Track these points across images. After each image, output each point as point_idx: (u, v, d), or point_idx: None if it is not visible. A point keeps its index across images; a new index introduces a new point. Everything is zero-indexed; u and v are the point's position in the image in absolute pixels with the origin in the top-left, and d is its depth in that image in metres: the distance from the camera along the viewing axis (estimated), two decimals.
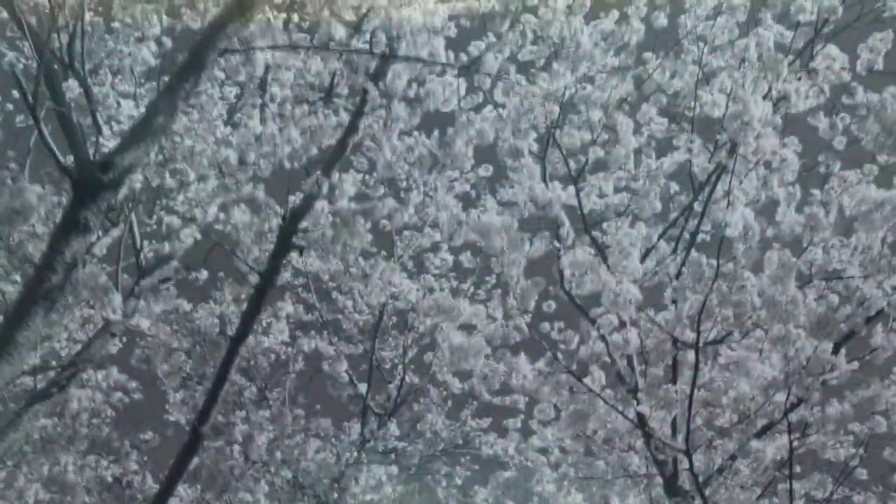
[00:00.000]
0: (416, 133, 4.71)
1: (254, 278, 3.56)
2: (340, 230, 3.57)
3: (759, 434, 4.16)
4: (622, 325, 4.11)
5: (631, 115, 5.58)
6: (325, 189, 3.53)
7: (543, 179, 4.89)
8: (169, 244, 4.61)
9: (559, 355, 4.09)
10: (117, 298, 3.14)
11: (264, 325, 8.99)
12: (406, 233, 8.17)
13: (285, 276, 8.72)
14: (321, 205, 3.60)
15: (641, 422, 4.18)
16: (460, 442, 8.02)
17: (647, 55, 5.04)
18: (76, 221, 3.01)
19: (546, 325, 4.86)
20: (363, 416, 6.98)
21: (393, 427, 6.93)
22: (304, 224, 3.66)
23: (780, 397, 4.06)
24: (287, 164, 3.69)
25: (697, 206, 5.07)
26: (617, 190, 5.44)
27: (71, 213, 3.04)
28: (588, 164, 5.25)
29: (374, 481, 6.51)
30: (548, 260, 4.56)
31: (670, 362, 4.28)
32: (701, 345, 3.93)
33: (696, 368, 3.97)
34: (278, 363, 8.03)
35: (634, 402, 4.09)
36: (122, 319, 4.22)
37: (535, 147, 4.78)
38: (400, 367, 7.86)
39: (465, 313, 4.04)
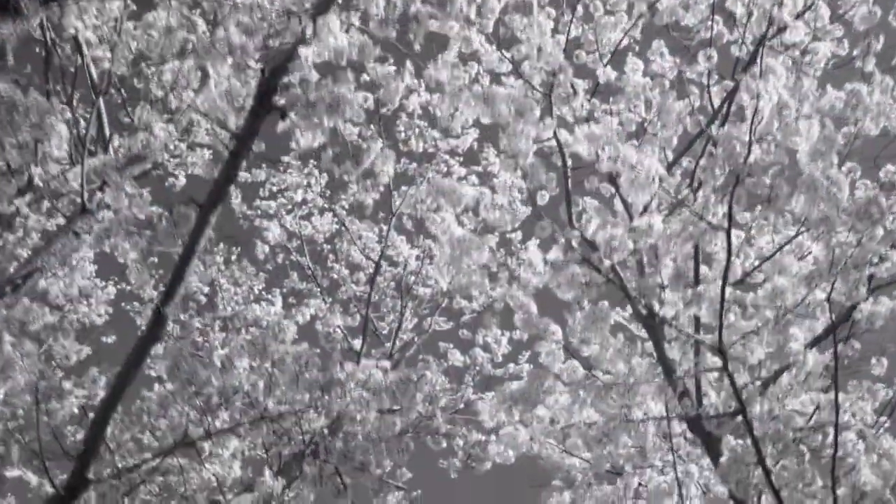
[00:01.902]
0: None
1: (229, 142, 3.12)
2: (326, 87, 3.14)
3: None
4: (644, 209, 3.67)
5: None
6: (309, 31, 3.11)
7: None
8: (142, 140, 4.18)
9: (574, 243, 3.63)
10: (62, 130, 2.69)
11: (256, 291, 8.56)
12: (404, 188, 7.78)
13: (275, 233, 8.35)
14: (306, 52, 3.18)
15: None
16: (461, 406, 7.54)
17: None
18: None
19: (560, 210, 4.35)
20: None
21: None
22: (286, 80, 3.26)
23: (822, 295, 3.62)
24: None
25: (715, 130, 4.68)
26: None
27: None
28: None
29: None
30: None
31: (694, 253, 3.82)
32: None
33: (729, 255, 3.51)
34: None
35: (657, 302, 3.63)
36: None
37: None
38: (395, 325, 7.41)
39: (468, 196, 3.60)
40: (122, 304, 7.84)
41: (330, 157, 4.05)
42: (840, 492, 3.63)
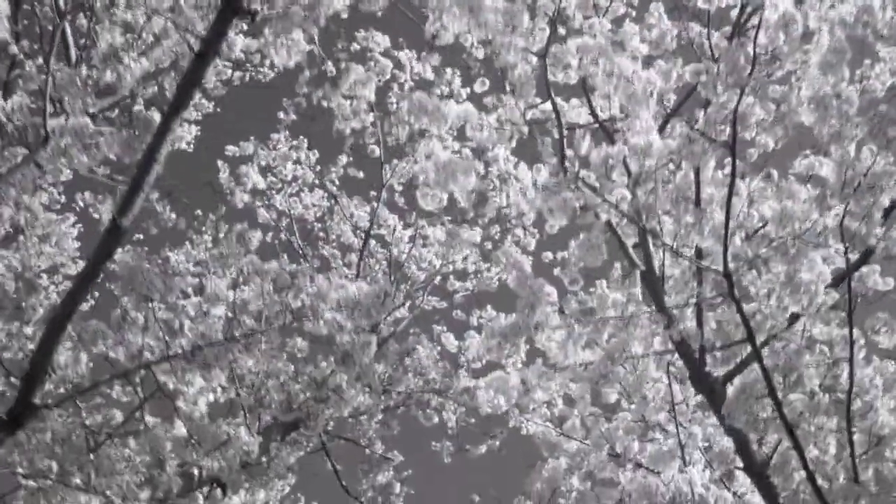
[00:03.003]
0: None
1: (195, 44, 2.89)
2: None
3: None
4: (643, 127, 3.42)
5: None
6: None
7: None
8: (111, 71, 3.95)
9: (566, 163, 3.38)
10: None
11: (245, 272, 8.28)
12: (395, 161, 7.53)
13: (262, 213, 8.11)
14: None
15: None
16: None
17: None
18: None
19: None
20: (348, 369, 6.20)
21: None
22: None
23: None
24: None
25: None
26: None
27: None
28: None
29: None
30: None
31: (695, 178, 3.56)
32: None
33: (734, 174, 3.26)
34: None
35: (656, 225, 3.37)
36: None
37: None
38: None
39: (453, 113, 3.36)
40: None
41: (307, 78, 3.86)
42: (855, 437, 3.35)
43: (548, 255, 7.26)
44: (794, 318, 3.50)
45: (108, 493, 3.13)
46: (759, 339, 3.13)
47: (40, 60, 4.70)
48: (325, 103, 5.11)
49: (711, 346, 3.42)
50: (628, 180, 3.26)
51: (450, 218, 6.70)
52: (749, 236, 3.48)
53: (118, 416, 4.20)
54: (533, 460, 5.78)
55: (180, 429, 4.26)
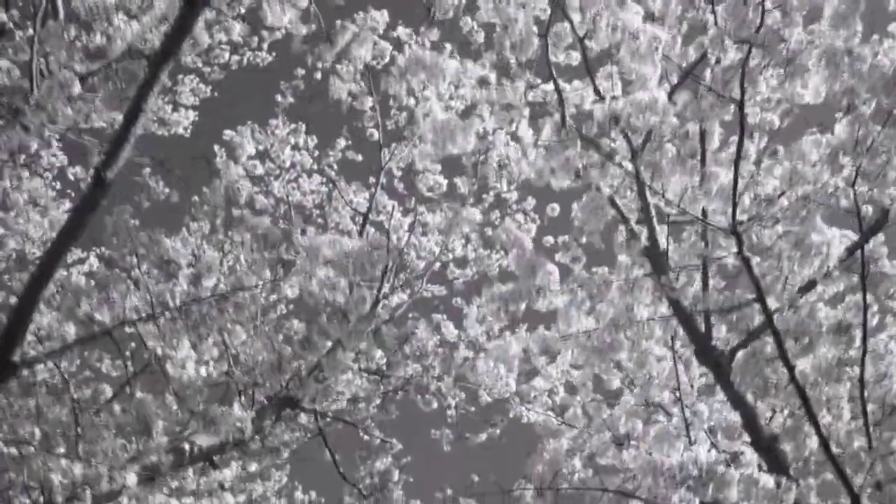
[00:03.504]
0: None
1: None
2: None
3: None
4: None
5: None
6: None
7: None
8: (101, 34, 3.84)
9: (568, 119, 3.26)
10: None
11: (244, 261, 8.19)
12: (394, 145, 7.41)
13: (261, 199, 8.00)
14: None
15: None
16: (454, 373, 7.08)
17: None
18: None
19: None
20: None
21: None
22: None
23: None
24: None
25: None
26: None
27: None
28: None
29: None
30: None
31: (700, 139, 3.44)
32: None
33: (742, 130, 3.14)
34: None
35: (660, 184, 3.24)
36: None
37: None
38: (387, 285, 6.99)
39: (451, 69, 3.24)
40: None
41: (302, 37, 3.74)
42: (868, 408, 3.23)
43: (549, 240, 7.14)
44: (809, 287, 3.38)
45: (93, 460, 3.01)
46: (771, 304, 3.00)
47: (31, 32, 4.60)
48: (320, 75, 5.00)
49: (718, 308, 3.29)
50: (631, 138, 3.15)
51: (448, 204, 6.58)
52: (758, 198, 3.35)
53: (108, 390, 4.08)
54: (534, 449, 5.66)
55: (172, 404, 4.15)
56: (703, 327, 4.22)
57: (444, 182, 7.85)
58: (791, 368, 2.91)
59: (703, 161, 3.47)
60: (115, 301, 2.78)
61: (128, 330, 2.90)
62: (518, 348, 3.51)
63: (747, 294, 3.62)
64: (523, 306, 3.41)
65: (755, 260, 3.20)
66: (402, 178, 7.68)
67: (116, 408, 3.26)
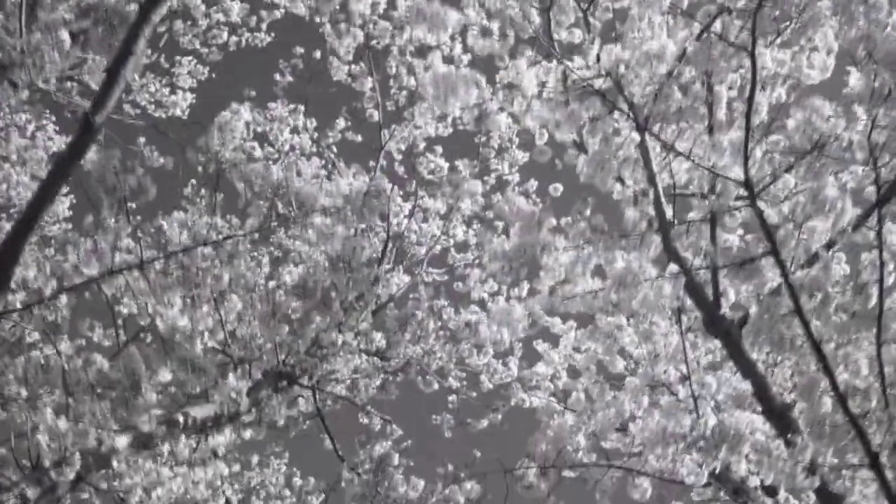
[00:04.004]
0: None
1: None
2: None
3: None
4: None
5: None
6: None
7: None
8: None
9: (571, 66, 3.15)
10: None
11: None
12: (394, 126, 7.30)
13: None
14: None
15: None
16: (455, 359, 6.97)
17: None
18: None
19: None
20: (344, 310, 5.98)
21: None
22: None
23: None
24: None
25: None
26: None
27: None
28: None
29: None
30: None
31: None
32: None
33: (754, 79, 3.03)
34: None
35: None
36: None
37: None
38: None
39: (453, 20, 3.13)
40: None
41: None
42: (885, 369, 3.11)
43: (552, 222, 7.02)
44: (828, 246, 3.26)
45: (80, 420, 2.90)
46: (784, 250, 2.89)
47: None
48: (319, 54, 4.90)
49: (730, 261, 3.17)
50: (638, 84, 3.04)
51: (449, 176, 6.47)
52: (769, 154, 3.24)
53: (99, 360, 3.97)
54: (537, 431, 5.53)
55: (164, 374, 4.04)
56: (711, 297, 4.11)
57: (445, 165, 7.76)
58: (807, 323, 2.79)
59: (711, 114, 3.36)
60: (103, 251, 2.67)
61: (116, 282, 2.77)
62: (522, 311, 3.40)
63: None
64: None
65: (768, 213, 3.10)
66: (403, 160, 7.58)
67: (105, 366, 3.14)
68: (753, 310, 2.93)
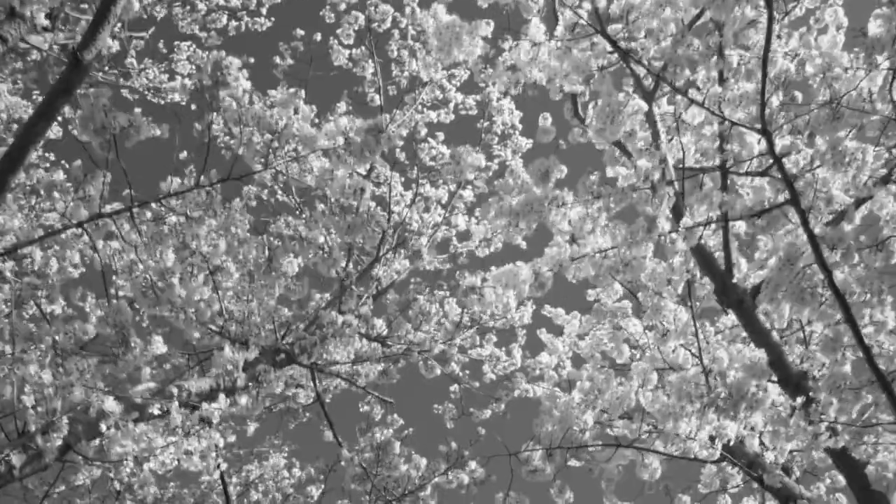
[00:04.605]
0: None
1: None
2: None
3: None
4: None
5: None
6: None
7: None
8: None
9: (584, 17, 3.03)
10: None
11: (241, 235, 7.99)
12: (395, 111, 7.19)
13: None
14: None
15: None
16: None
17: None
18: None
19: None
20: (342, 291, 5.85)
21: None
22: None
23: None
24: None
25: None
26: None
27: None
28: None
29: None
30: None
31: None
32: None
33: (770, 25, 2.92)
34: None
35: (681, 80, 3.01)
36: None
37: None
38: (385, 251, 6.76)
39: None
40: None
41: None
42: None
43: (562, 170, 6.90)
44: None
45: (64, 373, 2.77)
46: (805, 200, 2.76)
47: None
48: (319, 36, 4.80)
49: (747, 213, 3.04)
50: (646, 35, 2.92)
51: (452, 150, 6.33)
52: (786, 105, 3.12)
53: (90, 329, 3.84)
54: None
55: (158, 345, 3.91)
56: (723, 266, 3.98)
57: (447, 152, 7.63)
58: (829, 273, 2.66)
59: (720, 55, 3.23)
60: (91, 197, 2.54)
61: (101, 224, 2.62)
62: (528, 272, 3.26)
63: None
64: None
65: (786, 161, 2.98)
66: (404, 146, 7.47)
67: (91, 328, 3.00)
68: (772, 262, 2.79)
